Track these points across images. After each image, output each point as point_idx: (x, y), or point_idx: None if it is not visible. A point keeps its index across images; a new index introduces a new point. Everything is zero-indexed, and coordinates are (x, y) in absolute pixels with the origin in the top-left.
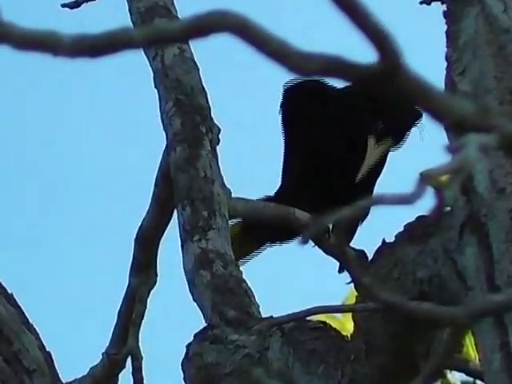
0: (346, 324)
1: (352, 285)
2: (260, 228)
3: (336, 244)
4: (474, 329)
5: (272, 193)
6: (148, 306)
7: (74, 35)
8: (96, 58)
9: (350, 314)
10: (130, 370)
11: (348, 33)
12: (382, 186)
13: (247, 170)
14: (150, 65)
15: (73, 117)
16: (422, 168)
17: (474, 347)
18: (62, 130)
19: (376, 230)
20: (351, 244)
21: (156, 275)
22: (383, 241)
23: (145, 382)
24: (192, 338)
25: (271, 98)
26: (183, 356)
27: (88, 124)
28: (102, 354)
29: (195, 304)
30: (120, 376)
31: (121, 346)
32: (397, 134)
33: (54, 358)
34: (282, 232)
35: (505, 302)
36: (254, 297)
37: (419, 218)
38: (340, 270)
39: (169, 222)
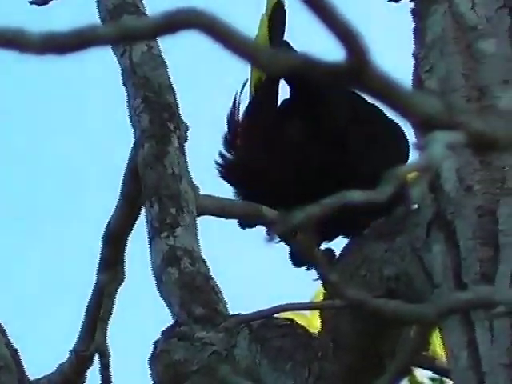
0: (313, 321)
1: (319, 282)
2: None
3: (303, 241)
4: (441, 326)
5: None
6: (116, 302)
7: (42, 32)
8: (65, 56)
9: (317, 312)
10: (98, 366)
11: (316, 31)
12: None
13: (215, 167)
14: (119, 62)
15: (44, 112)
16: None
17: (441, 344)
18: (31, 125)
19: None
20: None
21: (124, 272)
22: (350, 238)
23: (113, 379)
24: (159, 335)
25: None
26: (151, 353)
27: (55, 121)
28: (70, 351)
29: (163, 301)
30: (88, 373)
31: (89, 343)
32: None
33: (21, 355)
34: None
35: (472, 300)
36: (221, 294)
37: (387, 215)
38: (308, 268)
39: (137, 219)
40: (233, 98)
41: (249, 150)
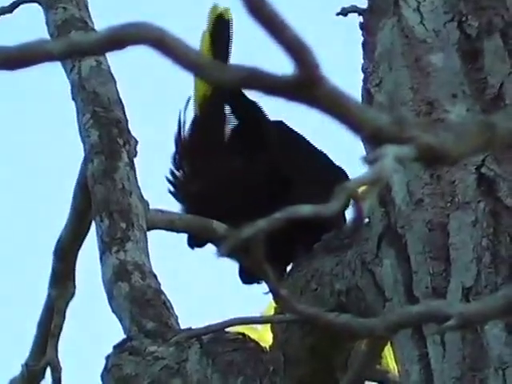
0: (265, 335)
1: (270, 296)
2: None
3: (253, 255)
4: (393, 340)
5: None
6: (67, 317)
7: None
8: (13, 71)
9: (269, 326)
10: (50, 381)
11: (266, 43)
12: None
13: (165, 182)
14: (68, 77)
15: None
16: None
17: (393, 358)
18: None
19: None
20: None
21: (74, 287)
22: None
23: None
24: (111, 350)
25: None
26: (103, 367)
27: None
28: (22, 366)
29: (114, 315)
30: None
31: (40, 357)
32: None
33: None
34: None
35: (423, 313)
36: (172, 308)
37: (337, 229)
38: (258, 282)
39: (87, 234)
40: (177, 116)
41: (193, 171)
